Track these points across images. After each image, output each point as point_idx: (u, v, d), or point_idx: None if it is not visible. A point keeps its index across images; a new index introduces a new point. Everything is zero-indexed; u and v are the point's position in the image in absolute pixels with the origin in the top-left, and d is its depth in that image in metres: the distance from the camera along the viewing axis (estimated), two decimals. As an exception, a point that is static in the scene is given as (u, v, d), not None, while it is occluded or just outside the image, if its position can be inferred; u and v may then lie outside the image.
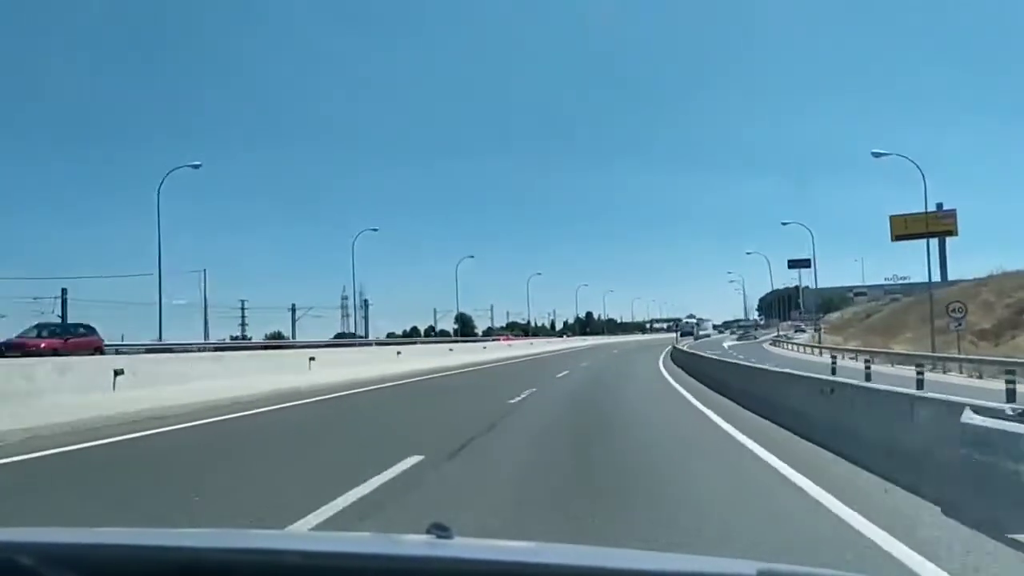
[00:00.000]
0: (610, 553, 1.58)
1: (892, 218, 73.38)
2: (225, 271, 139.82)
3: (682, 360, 27.97)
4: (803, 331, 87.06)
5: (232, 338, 75.18)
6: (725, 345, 60.36)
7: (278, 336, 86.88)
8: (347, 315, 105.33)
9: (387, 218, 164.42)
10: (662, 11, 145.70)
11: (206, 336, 42.65)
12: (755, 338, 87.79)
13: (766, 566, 1.16)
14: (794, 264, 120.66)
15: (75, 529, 1.57)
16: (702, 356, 21.89)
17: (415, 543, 1.37)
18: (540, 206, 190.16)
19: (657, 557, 1.60)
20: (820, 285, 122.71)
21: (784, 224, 55.15)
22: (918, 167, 33.14)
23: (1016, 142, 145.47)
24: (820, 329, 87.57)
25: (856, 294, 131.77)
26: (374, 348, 33.68)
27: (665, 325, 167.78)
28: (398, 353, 21.52)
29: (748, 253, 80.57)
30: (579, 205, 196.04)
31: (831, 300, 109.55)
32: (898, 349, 34.09)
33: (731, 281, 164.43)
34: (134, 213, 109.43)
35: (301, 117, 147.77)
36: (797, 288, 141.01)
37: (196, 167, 32.93)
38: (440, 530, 1.31)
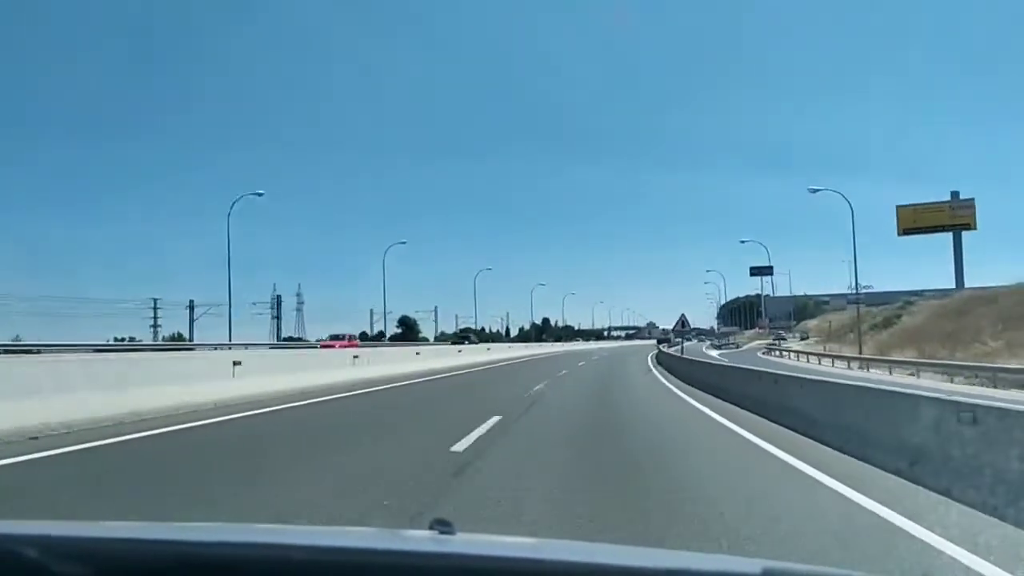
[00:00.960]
0: (613, 550, 1.56)
1: (899, 209, 63.50)
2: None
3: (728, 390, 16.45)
4: (783, 339, 79.50)
5: (117, 340, 62.75)
6: (714, 354, 50.00)
7: (179, 338, 74.60)
8: (277, 316, 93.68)
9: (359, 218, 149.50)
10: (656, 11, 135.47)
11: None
12: (737, 346, 77.77)
13: (771, 564, 1.12)
14: (756, 271, 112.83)
15: (80, 522, 1.58)
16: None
17: (418, 539, 1.44)
18: (521, 207, 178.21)
19: (662, 554, 1.56)
20: (780, 293, 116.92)
21: (814, 191, 44.22)
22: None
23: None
24: (807, 337, 78.85)
25: (818, 302, 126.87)
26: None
27: (624, 333, 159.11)
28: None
29: (742, 241, 71.50)
30: (545, 205, 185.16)
31: (806, 307, 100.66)
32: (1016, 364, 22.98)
33: (706, 282, 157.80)
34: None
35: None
36: (759, 296, 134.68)
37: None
38: (443, 526, 1.31)
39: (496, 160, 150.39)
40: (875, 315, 65.19)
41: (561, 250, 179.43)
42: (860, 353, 35.24)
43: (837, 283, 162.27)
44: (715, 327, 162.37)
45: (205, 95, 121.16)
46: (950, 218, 59.89)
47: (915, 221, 61.95)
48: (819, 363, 37.12)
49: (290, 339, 78.56)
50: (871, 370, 29.72)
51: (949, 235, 59.47)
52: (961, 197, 60.25)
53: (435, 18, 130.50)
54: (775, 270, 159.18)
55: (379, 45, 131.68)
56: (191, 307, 67.47)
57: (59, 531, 1.33)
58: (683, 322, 28.41)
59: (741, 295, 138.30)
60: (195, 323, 69.06)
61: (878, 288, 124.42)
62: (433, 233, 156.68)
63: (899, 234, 62.18)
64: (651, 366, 31.81)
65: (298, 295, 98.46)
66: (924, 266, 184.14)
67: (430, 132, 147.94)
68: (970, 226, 58.93)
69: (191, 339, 67.62)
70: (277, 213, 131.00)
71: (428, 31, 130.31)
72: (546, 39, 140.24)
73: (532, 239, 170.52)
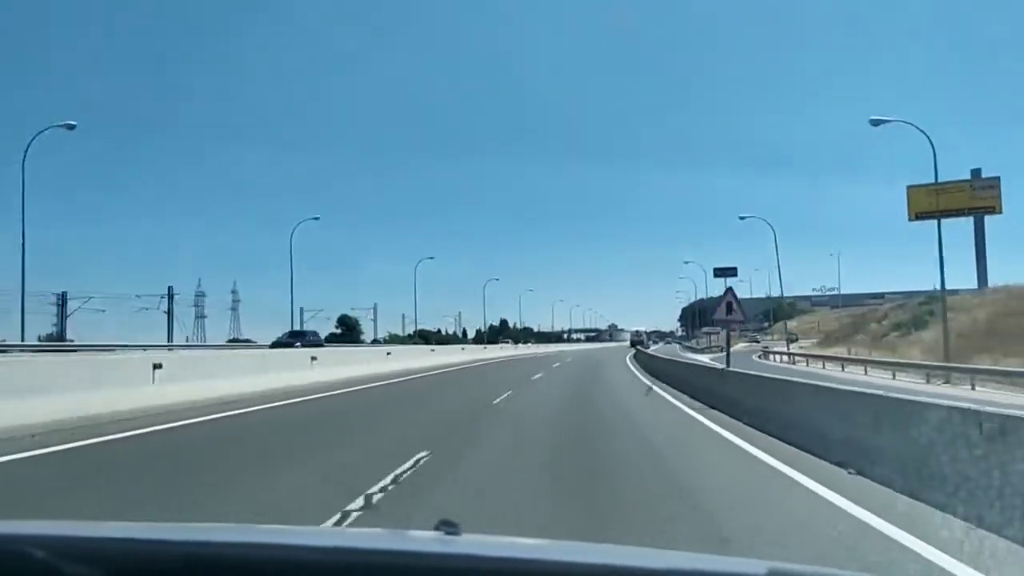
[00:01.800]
0: (619, 550, 1.59)
1: (910, 190, 54.12)
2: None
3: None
4: (756, 341, 72.09)
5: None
6: (705, 359, 40.95)
7: (60, 338, 62.33)
8: (203, 315, 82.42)
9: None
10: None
11: None
12: (721, 348, 68.59)
13: (777, 565, 1.11)
14: (720, 272, 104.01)
15: (87, 523, 1.58)
16: None
17: (424, 539, 1.43)
18: (520, 208, 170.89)
19: (667, 555, 1.59)
20: (745, 295, 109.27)
21: (876, 123, 34.74)
22: None
23: None
24: (796, 339, 70.56)
25: (787, 303, 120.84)
26: None
27: (583, 336, 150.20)
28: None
29: (741, 218, 60.58)
30: (525, 205, 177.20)
31: (781, 307, 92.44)
32: None
33: (682, 277, 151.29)
34: None
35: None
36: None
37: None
38: (448, 527, 1.32)
39: (478, 160, 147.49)
40: (881, 313, 56.75)
41: (521, 251, 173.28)
42: (947, 359, 25.30)
43: (800, 285, 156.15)
44: (676, 330, 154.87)
45: (205, 95, 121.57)
46: (970, 199, 50.90)
47: (929, 204, 52.70)
48: (865, 373, 27.56)
49: (235, 340, 68.34)
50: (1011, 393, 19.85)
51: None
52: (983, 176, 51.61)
53: (434, 18, 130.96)
54: (751, 270, 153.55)
55: (377, 44, 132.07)
56: (63, 301, 54.83)
57: (66, 531, 1.34)
58: (728, 306, 16.44)
59: (706, 298, 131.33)
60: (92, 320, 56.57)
61: (844, 290, 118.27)
62: (430, 233, 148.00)
63: (910, 219, 53.09)
64: (649, 384, 21.73)
65: (233, 292, 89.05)
66: (923, 265, 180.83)
67: (423, 131, 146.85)
68: (995, 209, 50.34)
69: (63, 337, 55.44)
70: (277, 212, 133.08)
71: (427, 30, 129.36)
72: (547, 39, 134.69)
73: (508, 239, 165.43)
